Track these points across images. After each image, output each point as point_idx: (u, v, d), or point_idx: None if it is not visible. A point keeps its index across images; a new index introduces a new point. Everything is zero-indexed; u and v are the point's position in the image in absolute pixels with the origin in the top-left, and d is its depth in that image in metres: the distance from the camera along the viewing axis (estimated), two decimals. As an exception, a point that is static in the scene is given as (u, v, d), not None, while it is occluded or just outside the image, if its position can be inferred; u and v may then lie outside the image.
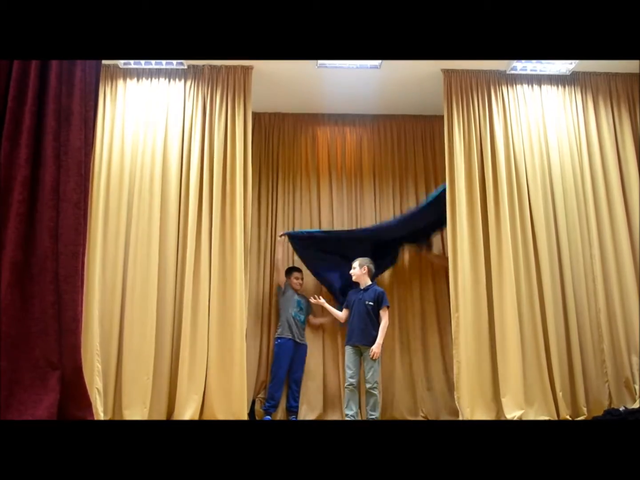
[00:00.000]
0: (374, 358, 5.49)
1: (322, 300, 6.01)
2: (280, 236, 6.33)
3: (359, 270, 5.80)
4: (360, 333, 5.59)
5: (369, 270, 5.84)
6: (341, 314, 5.91)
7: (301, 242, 6.28)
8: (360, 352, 5.60)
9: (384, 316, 5.67)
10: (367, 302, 5.68)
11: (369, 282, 5.82)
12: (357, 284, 5.89)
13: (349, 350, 5.63)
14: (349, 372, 5.55)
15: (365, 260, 5.85)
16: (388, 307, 5.74)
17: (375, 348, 5.51)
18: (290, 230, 6.50)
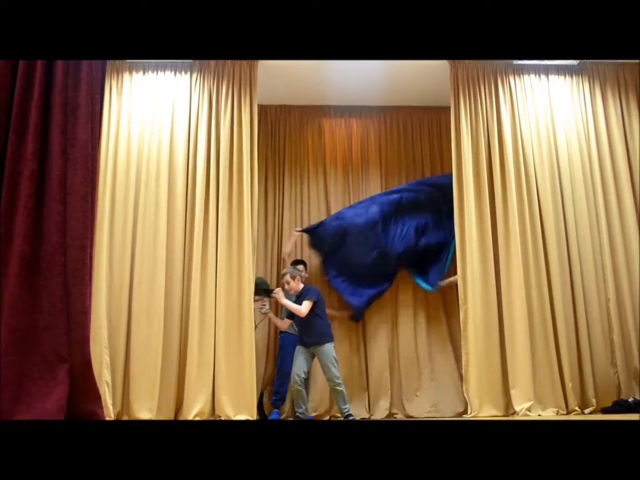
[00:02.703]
0: (275, 296, 5.51)
1: (279, 295, 5.60)
2: (297, 232, 6.31)
3: (294, 282, 5.55)
4: (307, 336, 5.44)
5: (300, 277, 5.66)
6: (281, 323, 5.80)
7: (316, 236, 6.29)
8: (312, 354, 5.45)
9: (304, 304, 5.39)
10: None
11: (301, 286, 5.59)
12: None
13: (299, 349, 5.48)
14: (292, 373, 5.40)
15: (293, 271, 5.64)
16: (311, 300, 5.43)
17: (278, 295, 5.49)
18: (302, 226, 6.48)
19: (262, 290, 5.76)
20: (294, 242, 6.35)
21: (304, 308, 5.42)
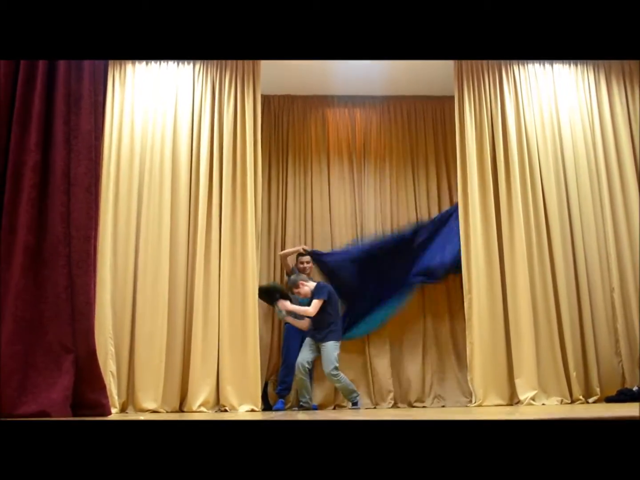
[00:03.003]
0: (281, 309, 5.54)
1: (284, 305, 5.62)
2: (304, 251, 6.25)
3: (302, 289, 5.62)
4: (317, 331, 5.50)
5: (304, 280, 5.71)
6: (301, 324, 5.75)
7: (324, 262, 6.26)
8: (318, 347, 5.50)
9: (313, 304, 5.49)
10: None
11: (312, 286, 5.65)
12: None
13: (307, 340, 5.58)
14: (297, 363, 5.49)
15: (295, 280, 5.69)
16: (320, 299, 5.50)
17: (281, 305, 5.53)
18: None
19: (278, 294, 5.71)
20: (294, 252, 6.31)
21: (311, 309, 5.50)
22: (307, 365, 5.44)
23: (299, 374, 5.41)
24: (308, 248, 6.34)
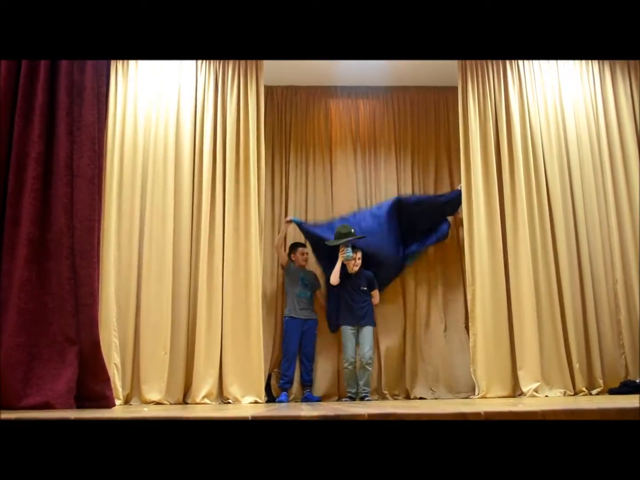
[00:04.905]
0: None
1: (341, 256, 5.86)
2: (287, 222, 6.21)
3: (358, 261, 5.88)
4: (361, 315, 5.77)
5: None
6: (336, 275, 5.85)
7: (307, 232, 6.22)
8: (357, 331, 5.76)
9: (376, 296, 5.97)
10: (362, 288, 5.86)
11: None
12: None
13: (347, 330, 5.76)
14: (349, 352, 5.72)
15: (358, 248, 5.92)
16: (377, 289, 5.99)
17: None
18: (298, 217, 6.34)
19: (350, 234, 5.87)
20: (285, 228, 6.27)
21: (375, 296, 5.96)
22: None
23: (354, 366, 5.69)
24: (291, 217, 6.28)
